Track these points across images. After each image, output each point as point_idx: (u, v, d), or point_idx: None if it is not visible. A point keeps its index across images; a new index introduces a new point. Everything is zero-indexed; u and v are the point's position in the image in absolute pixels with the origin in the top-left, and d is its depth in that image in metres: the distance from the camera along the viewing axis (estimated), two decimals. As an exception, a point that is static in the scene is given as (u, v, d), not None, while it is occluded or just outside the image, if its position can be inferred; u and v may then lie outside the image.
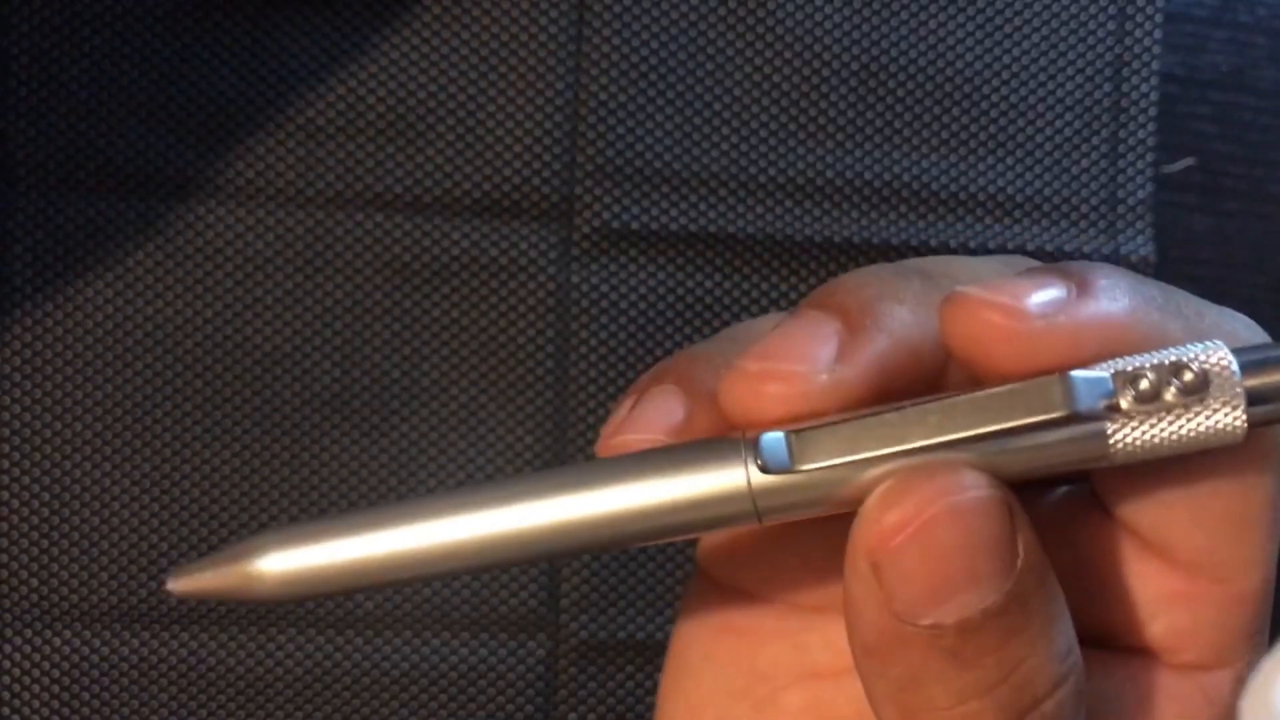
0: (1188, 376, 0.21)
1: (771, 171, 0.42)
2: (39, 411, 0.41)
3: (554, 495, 0.22)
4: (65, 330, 0.41)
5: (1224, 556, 0.23)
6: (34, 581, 0.41)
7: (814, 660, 0.27)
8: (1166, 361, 0.21)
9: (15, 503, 0.41)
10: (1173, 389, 0.21)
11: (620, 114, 0.42)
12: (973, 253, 0.43)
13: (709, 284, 0.43)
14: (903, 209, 0.43)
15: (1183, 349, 0.21)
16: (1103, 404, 0.21)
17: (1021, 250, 0.43)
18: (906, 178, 0.43)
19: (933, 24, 0.43)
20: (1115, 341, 0.21)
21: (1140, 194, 0.44)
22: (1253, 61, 0.44)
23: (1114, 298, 0.22)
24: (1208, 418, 0.21)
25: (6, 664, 0.41)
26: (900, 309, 0.22)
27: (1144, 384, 0.21)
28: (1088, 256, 0.43)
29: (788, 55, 0.43)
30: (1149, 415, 0.21)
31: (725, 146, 0.42)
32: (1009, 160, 0.43)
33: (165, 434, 0.41)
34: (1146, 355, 0.21)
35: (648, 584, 0.43)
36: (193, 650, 0.41)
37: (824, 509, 0.22)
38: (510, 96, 0.42)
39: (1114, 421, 0.21)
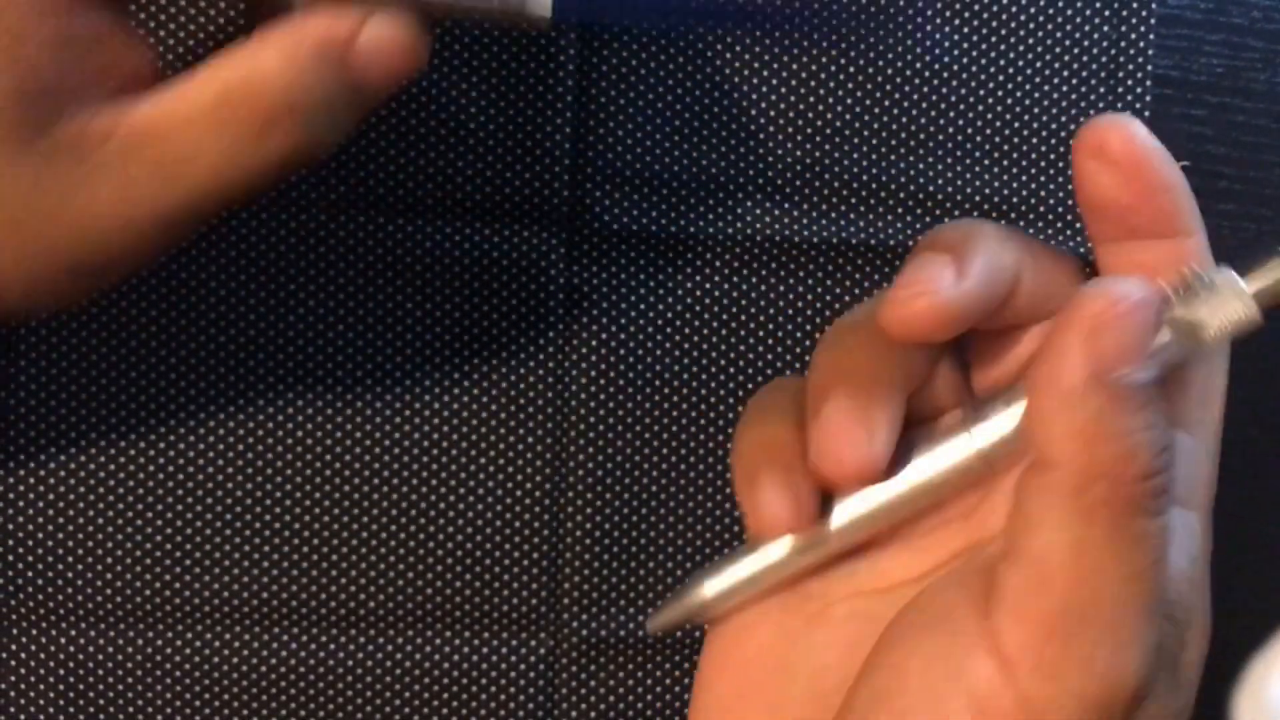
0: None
1: (771, 174, 0.43)
2: (43, 412, 0.41)
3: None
4: (69, 331, 0.41)
5: (1195, 416, 0.33)
6: (39, 580, 0.41)
7: (860, 581, 0.34)
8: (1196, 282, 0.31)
9: (20, 503, 0.41)
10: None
11: (624, 117, 0.42)
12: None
13: (712, 286, 0.43)
14: (900, 210, 0.43)
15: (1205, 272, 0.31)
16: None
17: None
18: (904, 179, 0.43)
19: (929, 27, 0.43)
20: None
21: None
22: (1247, 64, 0.45)
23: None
24: (1233, 306, 0.30)
25: (12, 662, 0.41)
26: (983, 238, 0.31)
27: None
28: (1082, 258, 0.43)
29: (786, 59, 0.43)
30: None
31: (726, 149, 0.43)
32: (1004, 163, 0.43)
33: (169, 434, 0.41)
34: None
35: (648, 581, 0.43)
36: (197, 649, 0.41)
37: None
38: (514, 99, 0.42)
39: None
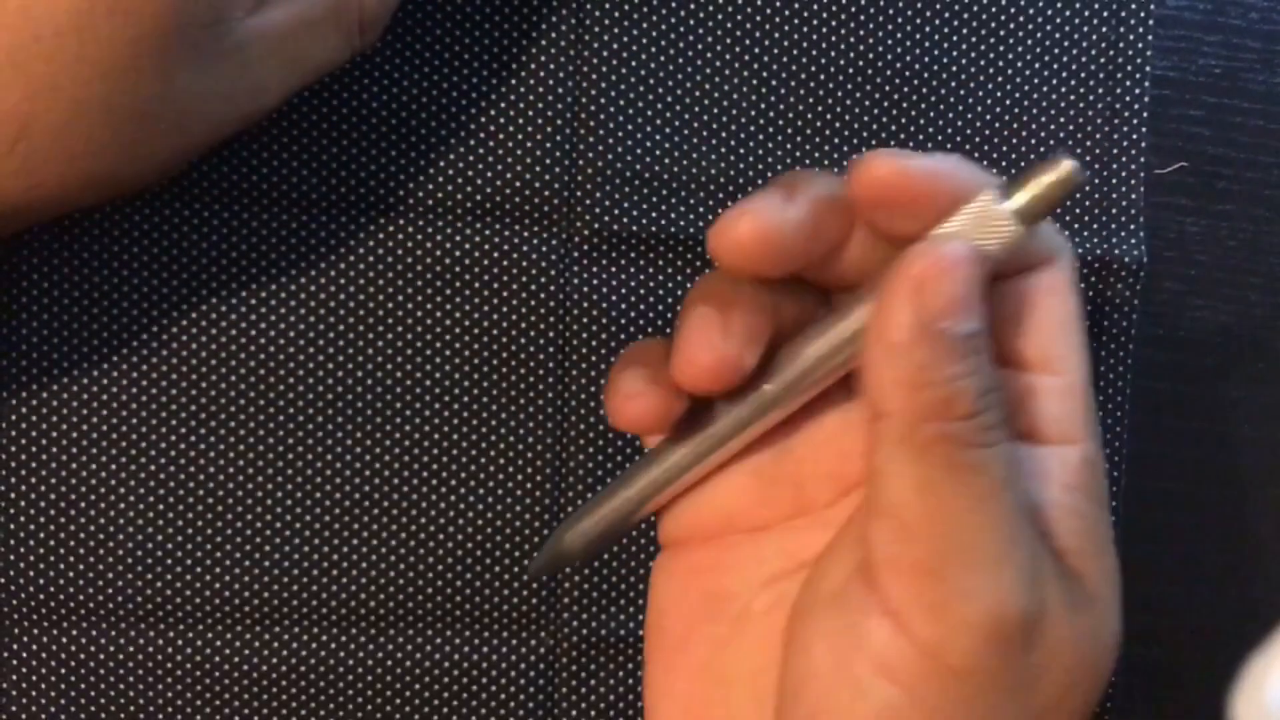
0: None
1: (769, 174, 0.43)
2: (45, 412, 0.41)
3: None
4: (70, 332, 0.41)
5: (1056, 353, 0.34)
6: (40, 580, 0.41)
7: (772, 568, 0.35)
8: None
9: (22, 502, 0.41)
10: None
11: (620, 117, 0.42)
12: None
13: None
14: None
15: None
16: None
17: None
18: (902, 180, 0.43)
19: (927, 28, 0.43)
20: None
21: (1132, 196, 0.44)
22: (1245, 65, 0.45)
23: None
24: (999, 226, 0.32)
25: (14, 662, 0.41)
26: (818, 179, 0.33)
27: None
28: (1080, 258, 0.43)
29: (785, 60, 0.43)
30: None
31: (724, 149, 0.43)
32: (1002, 163, 0.44)
33: (170, 434, 0.41)
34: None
35: (648, 581, 0.43)
36: (198, 648, 0.42)
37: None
38: (510, 99, 0.42)
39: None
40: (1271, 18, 0.45)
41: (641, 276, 0.42)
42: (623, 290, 0.42)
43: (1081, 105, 0.44)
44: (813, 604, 0.33)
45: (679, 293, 0.43)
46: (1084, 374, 0.34)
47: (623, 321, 0.42)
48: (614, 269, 0.42)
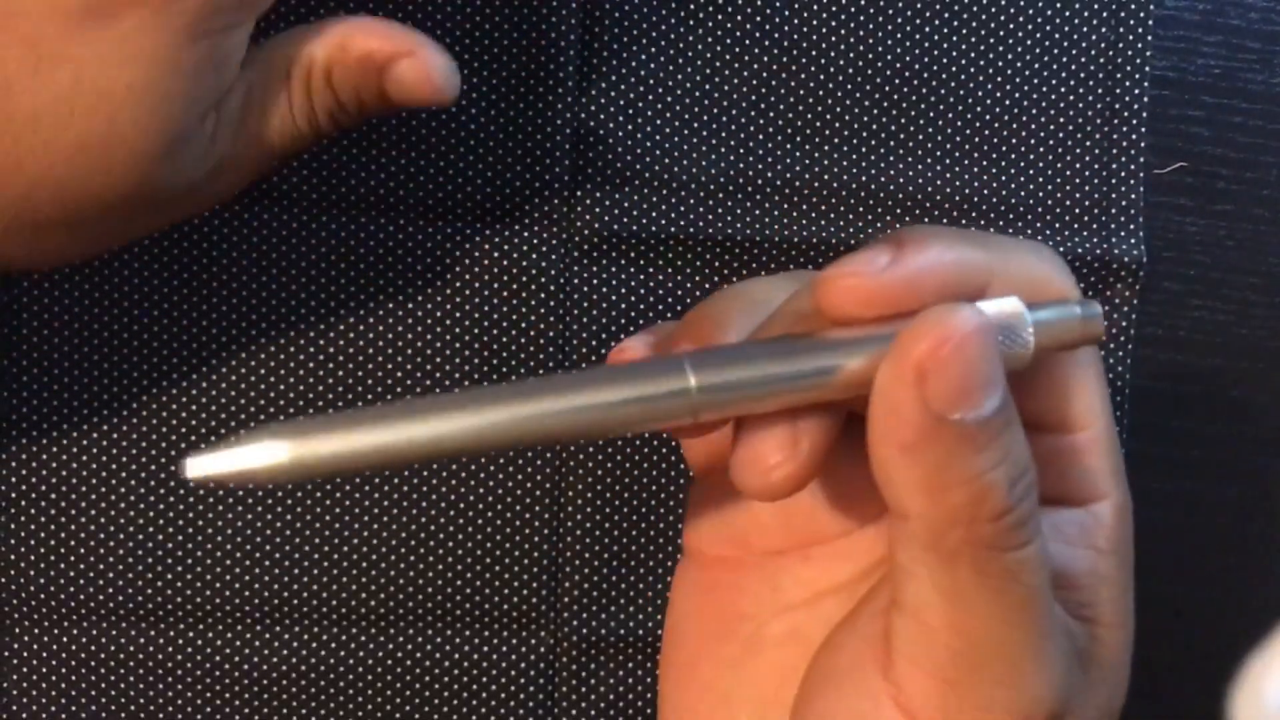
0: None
1: (769, 175, 0.43)
2: (46, 412, 0.41)
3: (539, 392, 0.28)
4: (72, 331, 0.41)
5: (1077, 407, 0.31)
6: (41, 579, 0.41)
7: (788, 596, 0.34)
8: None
9: (22, 501, 0.41)
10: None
11: (620, 118, 0.42)
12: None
13: (708, 286, 0.43)
14: (898, 211, 0.43)
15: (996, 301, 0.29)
16: None
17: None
18: (902, 180, 0.43)
19: (927, 29, 0.43)
20: (940, 282, 0.29)
21: (1132, 196, 0.44)
22: (1244, 65, 0.45)
23: (925, 251, 0.29)
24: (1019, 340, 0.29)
25: (15, 660, 0.41)
26: (937, 244, 0.29)
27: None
28: (1079, 258, 0.43)
29: (785, 60, 0.43)
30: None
31: (723, 150, 0.43)
32: (1002, 164, 0.44)
33: (171, 434, 0.41)
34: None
35: (648, 580, 0.43)
36: (198, 647, 0.42)
37: (742, 409, 0.29)
38: (511, 100, 0.42)
39: None
40: (1271, 18, 0.45)
41: (641, 276, 0.42)
42: (622, 290, 0.42)
43: (1081, 105, 0.44)
44: (829, 673, 0.31)
45: (679, 293, 0.43)
46: (1107, 421, 0.32)
47: (623, 321, 0.42)
48: (614, 269, 0.42)
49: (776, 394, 0.29)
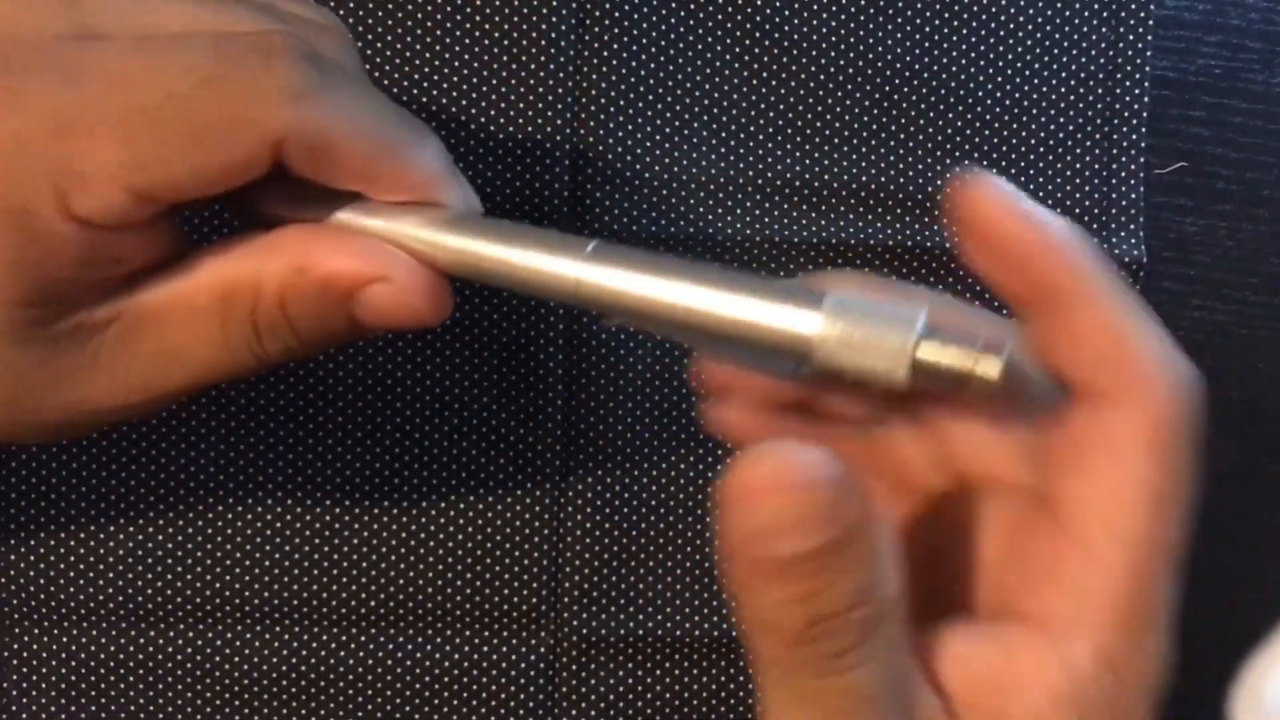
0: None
1: (770, 175, 0.43)
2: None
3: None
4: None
5: (1099, 514, 0.28)
6: (40, 580, 0.41)
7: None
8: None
9: (22, 502, 0.41)
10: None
11: (620, 119, 0.42)
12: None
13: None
14: (899, 211, 0.43)
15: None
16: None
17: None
18: (902, 180, 0.43)
19: (927, 29, 0.43)
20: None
21: (1132, 196, 0.44)
22: (1244, 65, 0.45)
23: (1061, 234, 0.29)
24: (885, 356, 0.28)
25: (14, 661, 0.41)
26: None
27: None
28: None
29: (785, 60, 0.43)
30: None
31: (724, 150, 0.43)
32: (1002, 164, 0.44)
33: (171, 434, 0.41)
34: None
35: (648, 581, 0.43)
36: (198, 647, 0.42)
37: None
38: (512, 102, 0.42)
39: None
40: (1271, 18, 0.45)
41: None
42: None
43: (1081, 105, 0.44)
44: None
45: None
46: (1139, 554, 0.28)
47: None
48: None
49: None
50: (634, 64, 0.42)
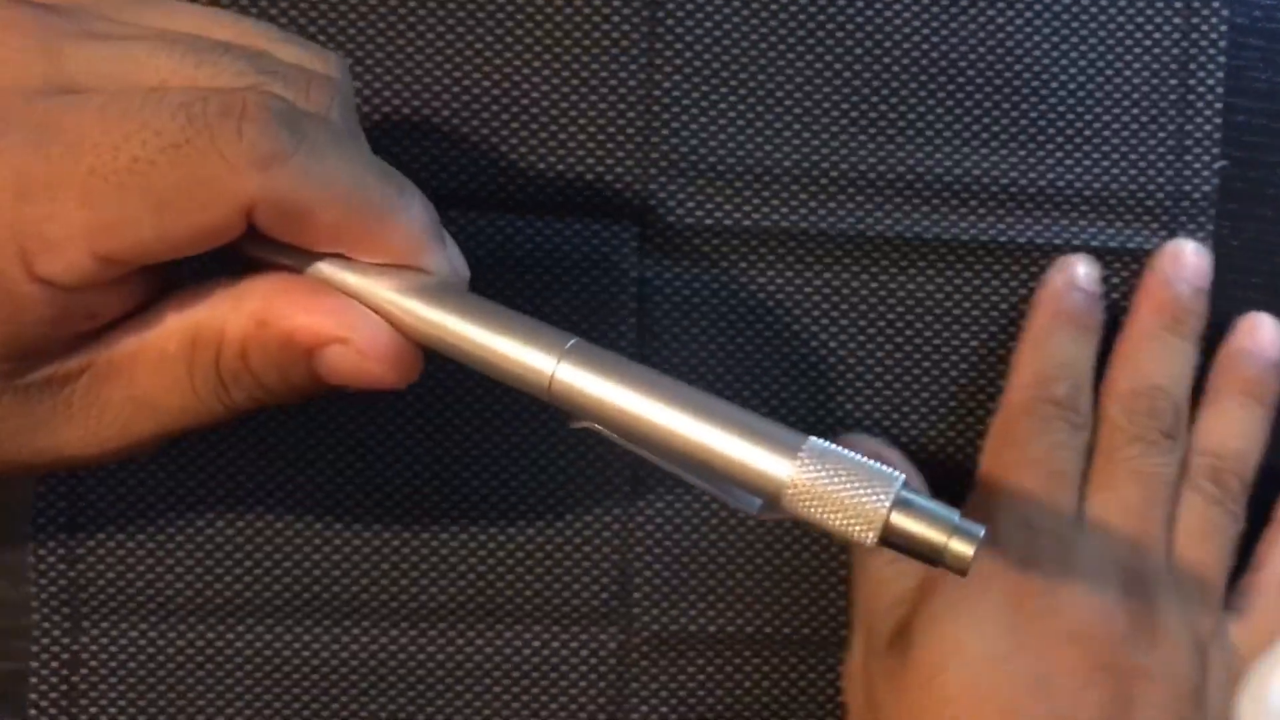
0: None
1: (843, 166, 0.43)
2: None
3: None
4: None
5: None
6: (110, 575, 0.41)
7: None
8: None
9: (102, 504, 0.41)
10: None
11: (694, 110, 0.42)
12: (1040, 249, 0.43)
13: (782, 280, 0.43)
14: (972, 204, 0.43)
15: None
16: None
17: (1085, 246, 0.43)
18: (977, 172, 0.43)
19: (1000, 19, 0.43)
20: None
21: (1205, 188, 0.44)
22: (1247, 64, 0.45)
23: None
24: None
25: (85, 655, 0.41)
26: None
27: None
28: (1147, 252, 0.44)
29: (858, 51, 0.43)
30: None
31: (797, 142, 0.43)
32: (1076, 155, 0.43)
33: (240, 428, 0.41)
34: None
35: (719, 577, 0.43)
36: (267, 642, 0.42)
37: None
38: (584, 94, 0.42)
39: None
40: (1274, 16, 0.44)
41: (717, 270, 0.42)
42: (694, 284, 0.42)
43: (1155, 97, 0.44)
44: None
45: (752, 287, 0.43)
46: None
47: (694, 315, 0.42)
48: (685, 262, 0.42)
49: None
50: (706, 55, 0.42)
